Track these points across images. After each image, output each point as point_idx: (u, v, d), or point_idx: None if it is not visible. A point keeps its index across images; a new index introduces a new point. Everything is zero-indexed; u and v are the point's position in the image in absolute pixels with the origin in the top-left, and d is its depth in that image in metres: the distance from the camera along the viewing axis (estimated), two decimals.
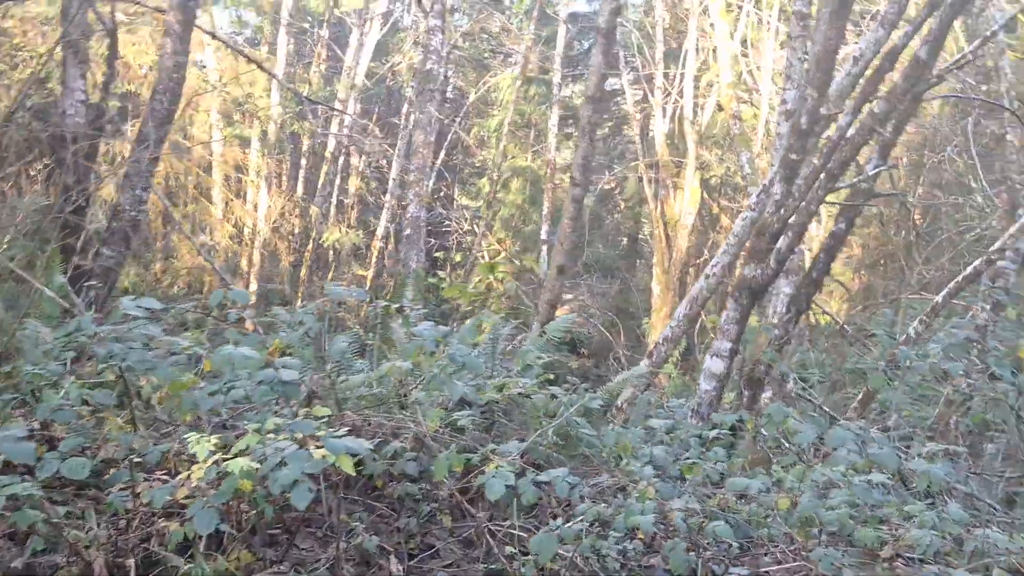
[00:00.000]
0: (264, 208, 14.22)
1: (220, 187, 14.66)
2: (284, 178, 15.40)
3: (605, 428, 3.14)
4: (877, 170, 3.98)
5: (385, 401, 2.56)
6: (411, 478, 2.28)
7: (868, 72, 4.22)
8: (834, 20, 3.36)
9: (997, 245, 7.23)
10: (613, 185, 17.23)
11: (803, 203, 3.46)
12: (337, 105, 14.09)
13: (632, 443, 3.39)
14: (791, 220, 3.50)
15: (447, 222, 18.26)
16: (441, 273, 19.07)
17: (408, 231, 7.53)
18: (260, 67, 9.39)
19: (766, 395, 7.71)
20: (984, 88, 8.93)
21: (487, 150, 17.60)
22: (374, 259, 16.47)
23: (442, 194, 20.04)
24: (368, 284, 14.71)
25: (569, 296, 20.86)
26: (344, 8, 13.93)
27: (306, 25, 13.91)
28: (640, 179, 14.43)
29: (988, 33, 5.98)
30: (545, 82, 16.87)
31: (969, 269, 7.51)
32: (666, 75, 14.27)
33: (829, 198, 4.25)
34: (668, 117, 13.76)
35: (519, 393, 2.96)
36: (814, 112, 3.48)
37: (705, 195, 13.64)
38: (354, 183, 16.87)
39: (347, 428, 2.29)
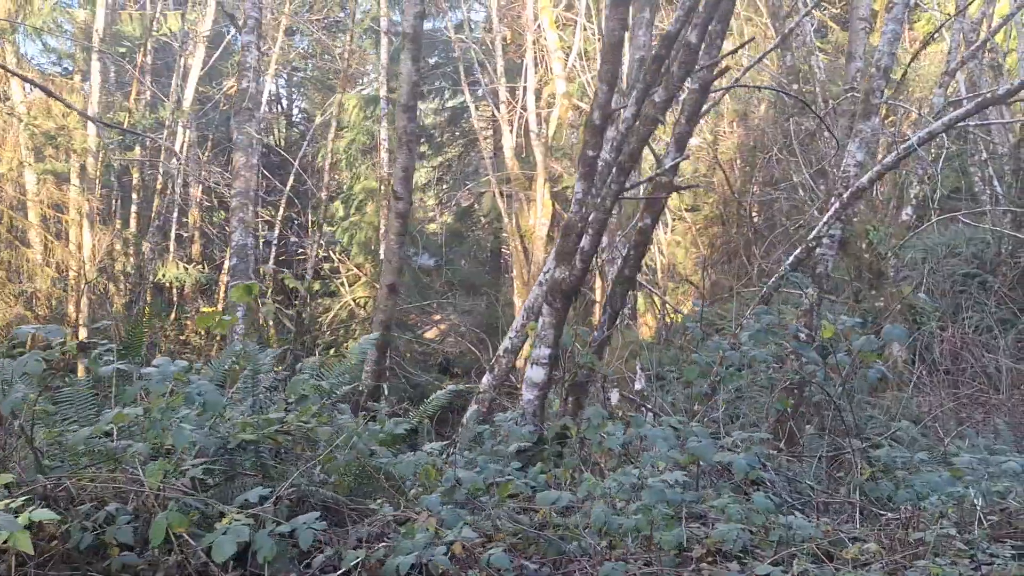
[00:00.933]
0: (89, 248, 12.98)
1: (37, 228, 13.28)
2: (114, 214, 14.16)
3: (406, 455, 2.85)
4: (675, 161, 3.97)
5: (113, 457, 2.14)
6: (128, 546, 1.89)
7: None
8: (615, 10, 3.29)
9: (814, 233, 7.63)
10: (471, 202, 17.13)
11: (599, 200, 3.36)
12: (166, 133, 13.10)
13: (443, 465, 3.12)
14: (591, 218, 3.39)
15: (301, 250, 17.49)
16: (298, 304, 18.26)
17: (235, 260, 6.97)
18: (57, 98, 8.47)
19: (615, 398, 7.71)
20: (795, 87, 9.51)
21: (339, 173, 17.05)
22: (222, 295, 15.46)
23: (296, 221, 19.23)
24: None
25: (437, 316, 20.54)
26: (162, 32, 13.01)
27: (123, 50, 12.89)
28: (495, 194, 14.40)
29: (787, 31, 6.24)
30: (392, 101, 16.56)
31: (791, 258, 7.88)
32: (512, 90, 14.37)
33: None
34: (514, 131, 13.82)
35: (298, 427, 2.61)
36: (605, 106, 3.40)
37: (557, 207, 13.78)
38: (193, 215, 15.81)
39: (44, 494, 1.86)
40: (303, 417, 2.41)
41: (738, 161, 14.79)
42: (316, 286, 17.71)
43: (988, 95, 6.79)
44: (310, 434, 2.51)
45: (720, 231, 15.49)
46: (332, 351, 15.67)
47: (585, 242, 3.46)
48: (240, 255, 7.14)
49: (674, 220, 15.62)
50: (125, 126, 12.12)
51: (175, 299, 15.44)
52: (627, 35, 4.05)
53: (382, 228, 16.79)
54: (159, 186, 14.11)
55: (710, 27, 3.58)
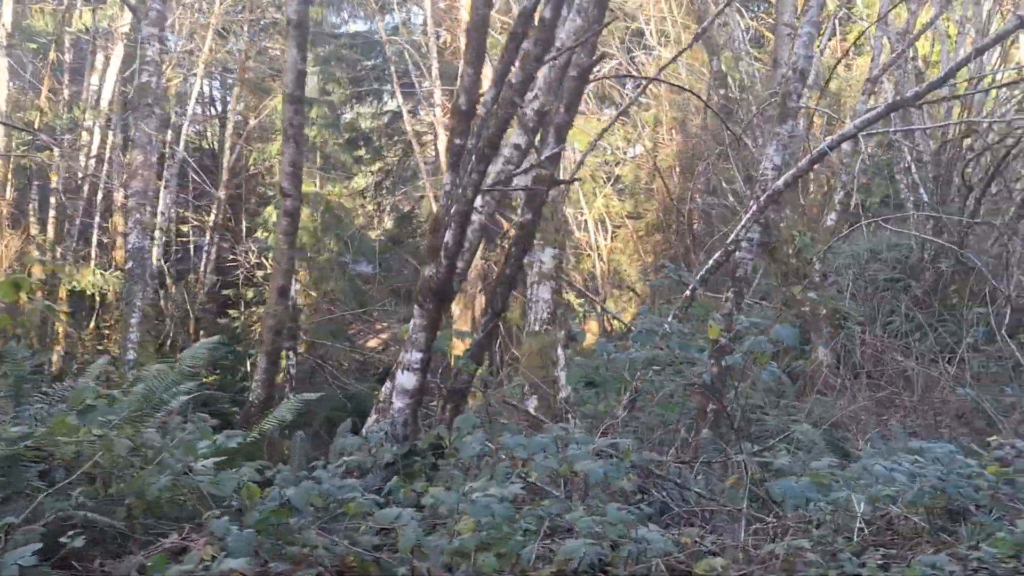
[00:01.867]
0: None
1: None
2: (27, 218, 13.47)
3: (227, 472, 2.57)
4: (553, 151, 3.78)
5: None
6: None
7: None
8: None
9: (732, 237, 7.56)
10: (411, 207, 16.83)
11: (460, 190, 3.15)
12: (84, 134, 12.52)
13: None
14: (452, 211, 3.17)
15: (232, 256, 16.98)
16: (233, 312, 17.68)
17: (130, 264, 6.56)
18: None
19: (531, 405, 7.49)
20: (722, 92, 9.49)
21: (272, 176, 16.60)
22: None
23: (228, 228, 18.65)
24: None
25: (380, 326, 20.13)
26: (78, 28, 12.44)
27: (34, 47, 12.28)
28: (432, 199, 14.15)
29: (700, 30, 6.13)
30: (329, 104, 16.20)
31: (710, 262, 7.80)
32: (450, 92, 14.15)
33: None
34: None
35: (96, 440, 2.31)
36: (471, 90, 3.19)
37: None
38: (116, 221, 15.16)
39: None
40: (60, 430, 2.11)
41: (677, 168, 14.81)
42: (249, 293, 17.19)
43: (897, 98, 6.80)
44: (108, 448, 2.22)
45: (661, 238, 15.49)
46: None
47: (448, 237, 3.23)
48: (136, 258, 6.74)
49: (616, 227, 15.59)
50: (36, 126, 11.51)
51: (97, 307, 14.79)
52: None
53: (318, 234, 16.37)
54: (77, 190, 13.49)
55: (588, 9, 3.42)
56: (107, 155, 14.51)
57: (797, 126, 7.95)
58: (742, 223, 7.39)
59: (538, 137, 4.45)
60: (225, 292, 17.82)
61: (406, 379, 3.47)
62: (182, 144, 15.40)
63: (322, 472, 2.81)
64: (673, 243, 14.84)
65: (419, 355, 3.43)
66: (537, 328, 7.26)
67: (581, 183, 14.81)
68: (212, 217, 17.04)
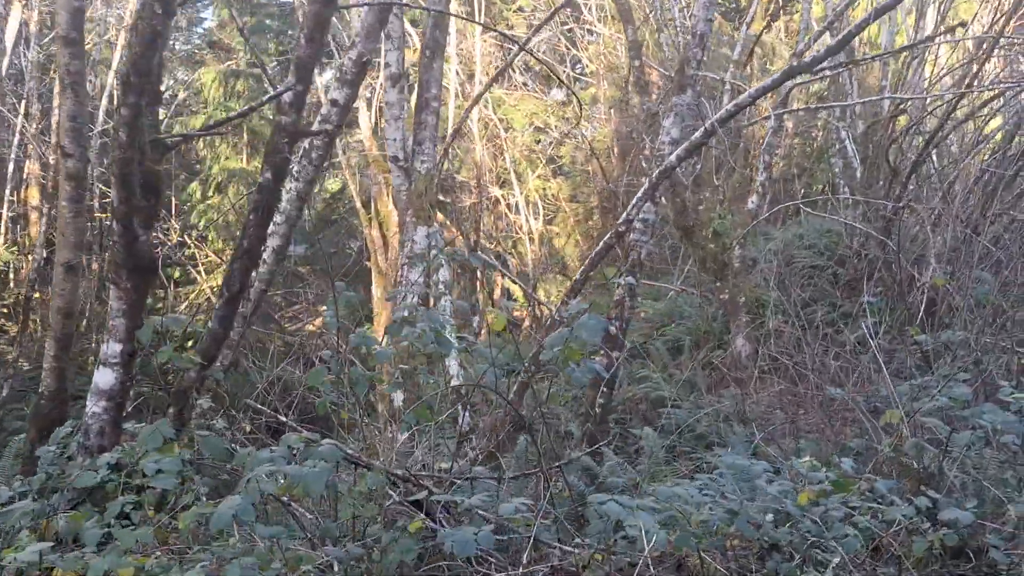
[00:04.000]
0: None
1: None
2: None
3: None
4: (285, 89, 3.16)
5: None
6: None
7: None
8: None
9: (623, 217, 6.99)
10: (341, 186, 16.14)
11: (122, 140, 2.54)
12: None
13: None
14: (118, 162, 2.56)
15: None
16: (159, 292, 16.93)
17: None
18: None
19: (398, 400, 6.88)
20: (636, 63, 8.86)
21: (197, 152, 15.83)
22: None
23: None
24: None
25: (322, 308, 19.41)
26: None
27: None
28: (347, 177, 13.49)
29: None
30: (255, 76, 15.43)
31: (600, 245, 7.22)
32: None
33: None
34: (373, 108, 12.94)
35: None
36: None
37: None
38: (31, 194, 14.36)
39: None
40: None
41: (616, 150, 14.21)
42: (176, 274, 16.45)
43: (794, 63, 6.24)
44: None
45: (600, 222, 14.93)
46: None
47: (115, 194, 2.62)
48: None
49: (552, 211, 15.00)
50: None
51: (12, 284, 14.02)
52: None
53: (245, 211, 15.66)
54: None
55: None
56: (18, 126, 13.70)
57: (698, 96, 7.36)
58: (632, 202, 6.82)
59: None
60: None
61: (103, 377, 2.86)
62: (101, 117, 14.58)
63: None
64: (610, 226, 14.26)
65: (118, 347, 2.82)
66: (407, 314, 6.65)
67: (516, 164, 14.18)
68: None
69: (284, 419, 3.99)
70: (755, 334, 9.01)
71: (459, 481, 3.22)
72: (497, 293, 15.52)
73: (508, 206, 13.93)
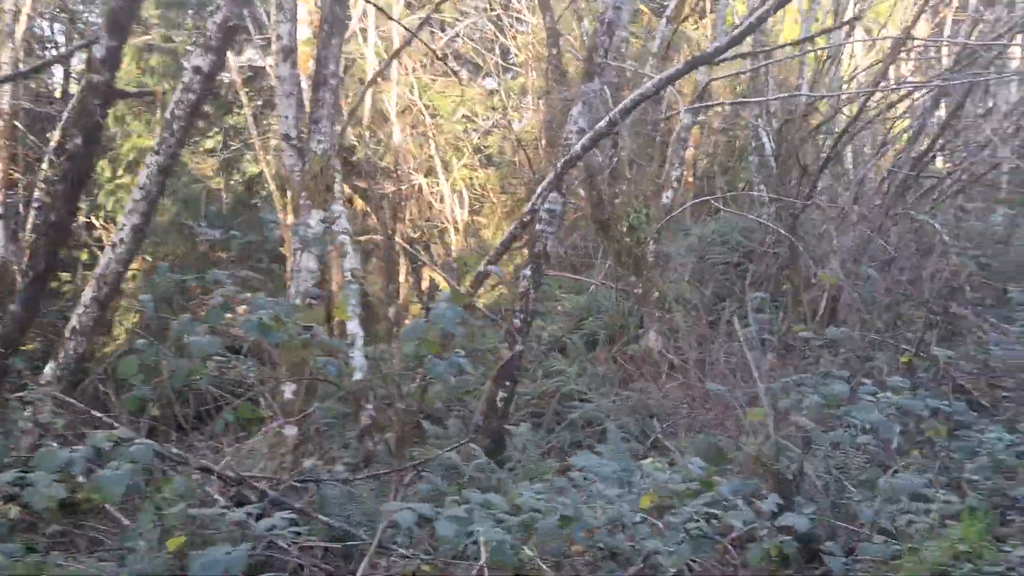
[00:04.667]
0: None
1: None
2: None
3: None
4: (86, 43, 2.85)
5: None
6: None
7: None
8: None
9: (527, 207, 6.83)
10: (260, 170, 15.55)
11: None
12: None
13: None
14: None
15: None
16: (65, 275, 16.04)
17: None
18: None
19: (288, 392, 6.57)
20: (554, 51, 8.71)
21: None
22: None
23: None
24: None
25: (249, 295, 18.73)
26: None
27: None
28: (259, 157, 13.00)
29: None
30: (171, 51, 14.70)
31: (506, 235, 7.05)
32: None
33: None
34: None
35: None
36: None
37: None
38: None
39: None
40: None
41: (543, 141, 14.07)
42: (84, 256, 15.60)
43: (699, 54, 6.15)
44: None
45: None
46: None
47: None
48: None
49: (480, 201, 14.77)
50: None
51: None
52: None
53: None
54: None
55: None
56: None
57: (606, 85, 7.24)
58: (537, 192, 6.66)
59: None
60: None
61: None
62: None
63: None
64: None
65: None
66: (299, 302, 6.34)
67: (443, 153, 13.90)
68: (45, 172, 15.34)
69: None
70: (666, 329, 9.01)
71: (298, 484, 2.97)
72: (425, 284, 15.24)
73: (433, 195, 13.65)
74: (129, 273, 15.75)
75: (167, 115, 4.10)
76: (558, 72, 8.62)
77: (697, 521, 2.54)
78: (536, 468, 5.02)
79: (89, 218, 14.48)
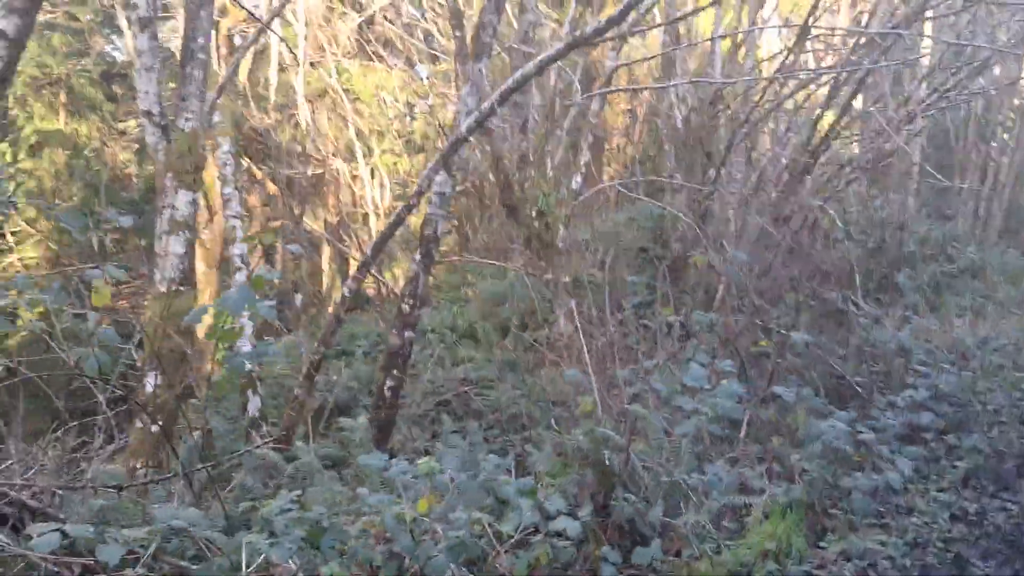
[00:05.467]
0: None
1: None
2: None
3: None
4: None
5: None
6: None
7: None
8: None
9: (415, 189, 6.61)
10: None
11: None
12: None
13: None
14: None
15: None
16: None
17: None
18: None
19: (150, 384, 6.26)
20: (459, 34, 8.47)
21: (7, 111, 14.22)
22: None
23: None
24: None
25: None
26: None
27: None
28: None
29: None
30: (74, 31, 14.01)
31: (392, 217, 6.82)
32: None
33: None
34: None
35: None
36: None
37: (247, 160, 12.13)
38: None
39: None
40: None
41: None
42: None
43: (578, 34, 6.00)
44: None
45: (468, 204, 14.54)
46: None
47: None
48: None
49: (403, 187, 14.48)
50: None
51: None
52: None
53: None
54: None
55: None
56: None
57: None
58: (424, 174, 6.45)
59: None
60: None
61: None
62: None
63: None
64: (465, 205, 13.90)
65: None
66: (164, 289, 6.03)
67: (364, 138, 13.55)
68: None
69: None
70: (576, 314, 8.92)
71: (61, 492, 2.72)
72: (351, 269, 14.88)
73: (356, 180, 13.32)
74: (33, 261, 14.99)
75: None
76: (463, 55, 8.39)
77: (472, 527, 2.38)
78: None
79: None
